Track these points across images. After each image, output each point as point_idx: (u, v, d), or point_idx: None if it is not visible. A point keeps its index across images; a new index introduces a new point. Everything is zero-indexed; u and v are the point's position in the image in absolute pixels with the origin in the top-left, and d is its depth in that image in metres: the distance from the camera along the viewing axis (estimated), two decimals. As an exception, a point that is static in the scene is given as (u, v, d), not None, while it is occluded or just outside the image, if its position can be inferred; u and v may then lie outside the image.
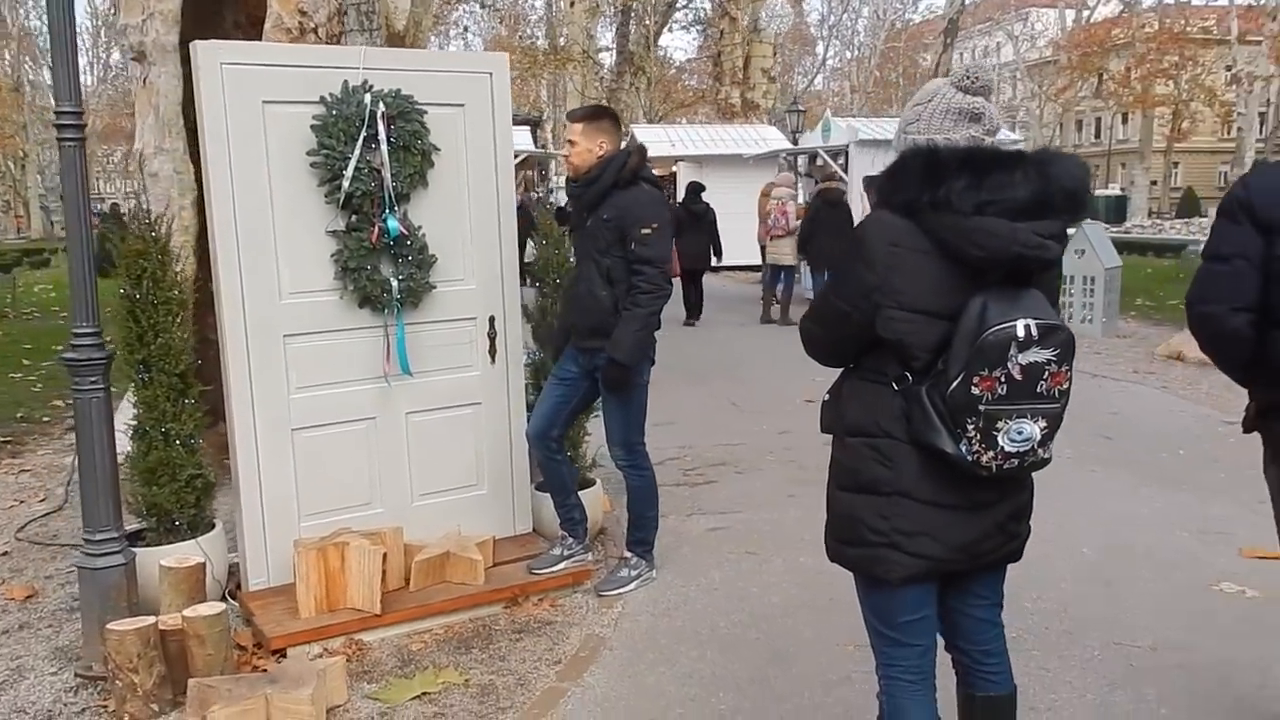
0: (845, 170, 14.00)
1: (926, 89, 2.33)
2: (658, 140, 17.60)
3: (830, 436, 2.40)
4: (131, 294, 3.86)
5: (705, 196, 12.96)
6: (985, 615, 2.47)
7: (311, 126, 3.95)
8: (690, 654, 3.72)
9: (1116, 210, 44.61)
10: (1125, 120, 57.50)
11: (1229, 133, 52.06)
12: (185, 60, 5.44)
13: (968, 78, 2.25)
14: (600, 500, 4.91)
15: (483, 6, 31.58)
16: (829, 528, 2.41)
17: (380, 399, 4.24)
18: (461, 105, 4.30)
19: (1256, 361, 2.69)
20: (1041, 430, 2.11)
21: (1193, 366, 9.28)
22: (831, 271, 2.34)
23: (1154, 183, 47.09)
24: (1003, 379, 2.05)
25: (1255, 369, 2.73)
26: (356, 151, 3.97)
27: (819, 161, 14.92)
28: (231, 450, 4.05)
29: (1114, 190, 50.45)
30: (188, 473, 3.95)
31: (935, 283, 2.13)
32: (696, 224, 12.77)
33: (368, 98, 3.99)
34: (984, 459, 2.10)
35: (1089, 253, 11.24)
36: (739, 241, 15.31)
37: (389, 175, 4.04)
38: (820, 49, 51.75)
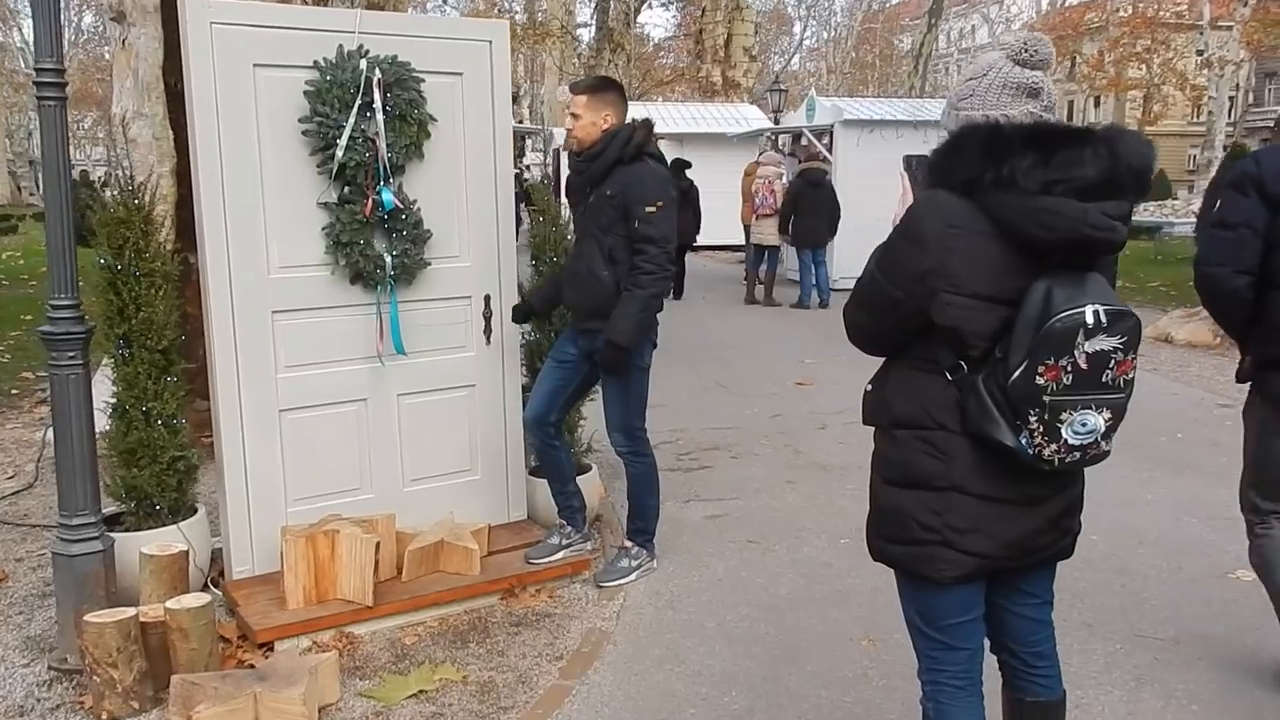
0: (830, 150, 13.85)
1: (980, 62, 2.17)
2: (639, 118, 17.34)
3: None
4: (113, 265, 3.65)
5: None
6: (1036, 615, 2.35)
7: (304, 92, 3.75)
8: (698, 649, 3.58)
9: (1089, 194, 44.74)
10: (1098, 104, 57.73)
11: (1198, 116, 52.43)
12: (166, 22, 5.23)
13: (1025, 50, 2.09)
14: (597, 487, 4.75)
15: (460, -23, 31.07)
16: (872, 524, 2.26)
17: (371, 380, 4.06)
18: (460, 74, 4.11)
19: (1254, 319, 3.11)
20: (1106, 422, 2.00)
21: (1181, 349, 9.25)
22: (881, 256, 2.16)
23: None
24: (1068, 368, 1.93)
25: (1253, 326, 3.14)
26: (351, 119, 3.77)
27: (804, 141, 14.75)
28: (216, 432, 3.86)
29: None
30: (169, 454, 3.76)
31: (995, 266, 1.99)
32: (682, 201, 12.56)
33: (364, 63, 3.80)
34: (1046, 452, 1.99)
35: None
36: (720, 221, 15.16)
37: (384, 145, 3.85)
38: (797, 29, 51.52)
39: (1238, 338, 3.27)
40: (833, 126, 13.68)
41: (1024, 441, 1.99)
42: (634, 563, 4.18)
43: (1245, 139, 43.53)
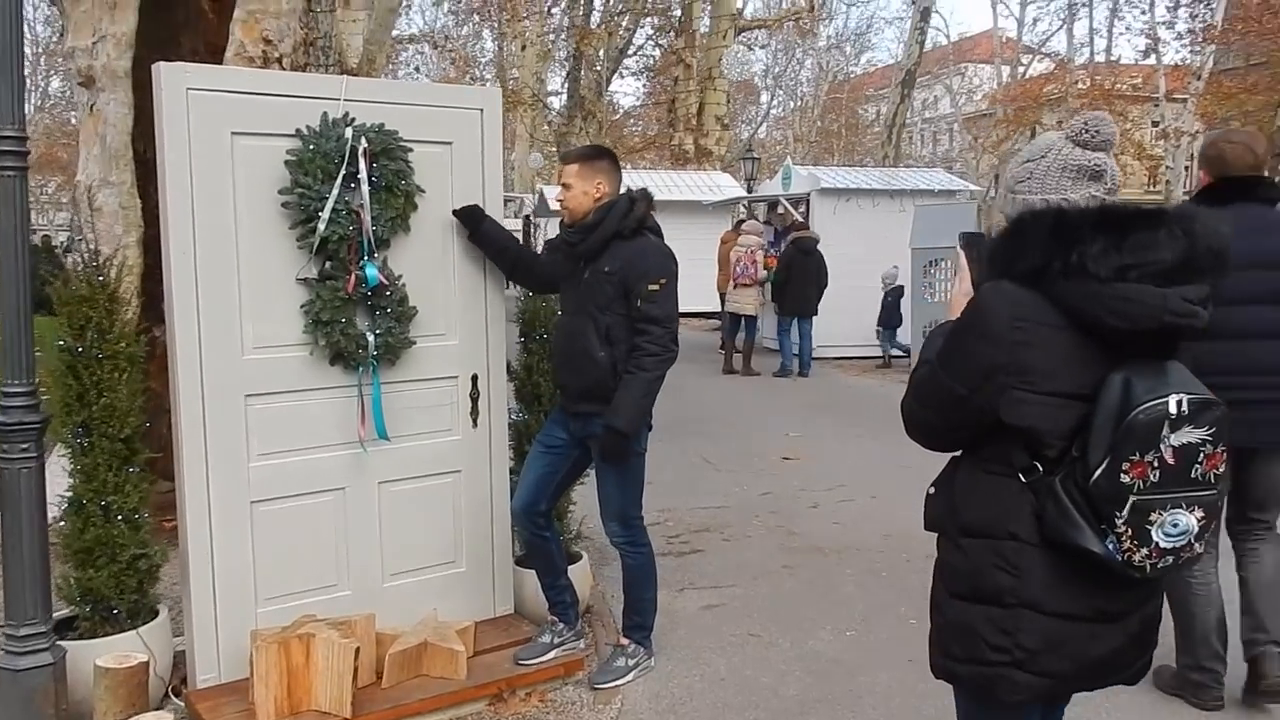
0: (806, 218, 13.80)
1: (1038, 144, 2.06)
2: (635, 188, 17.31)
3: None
4: (73, 347, 3.38)
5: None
6: None
7: (285, 162, 3.53)
8: (706, 763, 3.31)
9: (1054, 262, 45.39)
10: (1058, 174, 58.77)
11: (1155, 185, 53.56)
12: (137, 87, 5.02)
13: (1086, 131, 2.00)
14: (587, 576, 4.48)
15: (434, 47, 31.18)
16: (937, 639, 2.10)
17: (351, 467, 3.79)
18: (449, 143, 3.91)
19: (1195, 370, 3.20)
20: (1199, 522, 1.84)
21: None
22: (941, 349, 2.01)
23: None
24: (1155, 464, 1.79)
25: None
26: (335, 191, 3.55)
27: (780, 209, 14.72)
28: (181, 525, 3.56)
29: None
30: (130, 553, 3.45)
31: (1069, 360, 1.87)
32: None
33: (349, 132, 3.59)
34: (1136, 558, 1.83)
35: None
36: (694, 288, 15.02)
37: (369, 218, 3.63)
38: (765, 98, 52.17)
39: None
40: (809, 195, 13.67)
41: (1111, 547, 1.84)
42: (631, 661, 3.90)
43: (1201, 208, 44.37)
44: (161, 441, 3.75)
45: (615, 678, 3.84)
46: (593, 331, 3.66)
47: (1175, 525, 1.82)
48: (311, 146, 3.55)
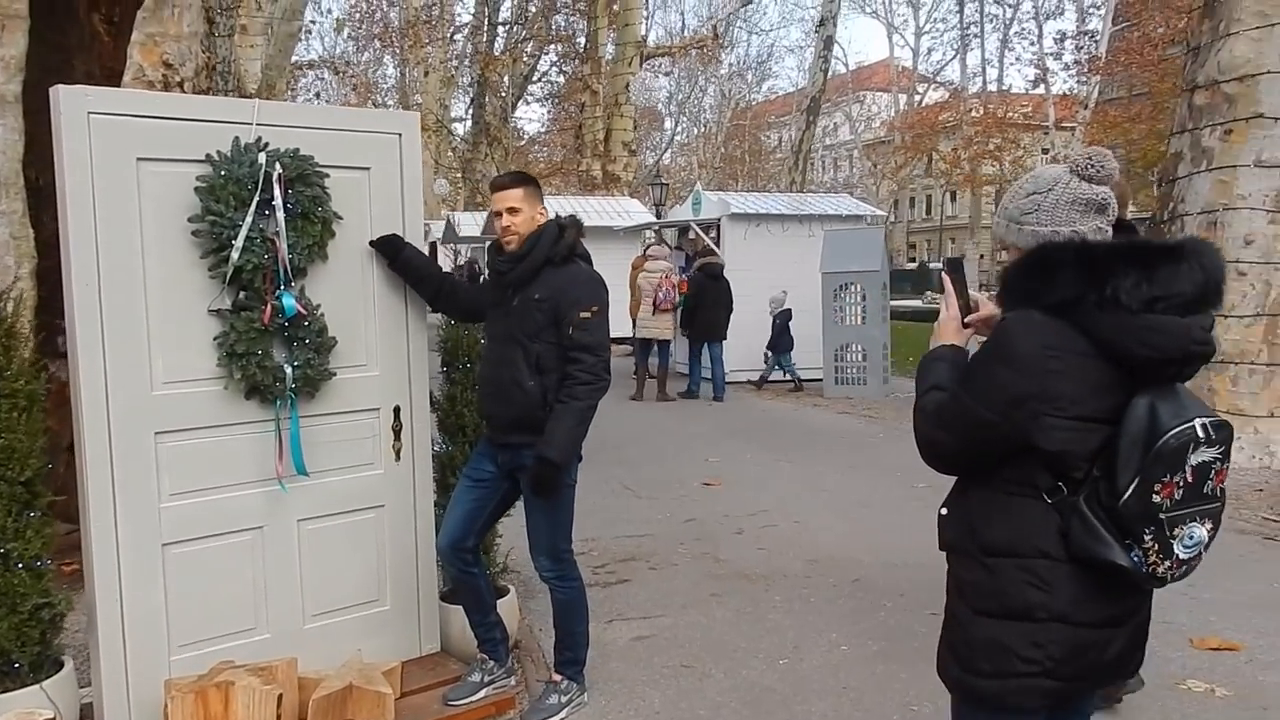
0: (717, 243, 13.89)
1: (1042, 177, 2.13)
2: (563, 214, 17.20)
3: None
4: (-33, 386, 3.18)
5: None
6: None
7: (195, 189, 3.39)
8: (647, 801, 3.22)
9: (951, 284, 46.60)
10: (954, 198, 60.59)
11: (1047, 212, 55.40)
12: (29, 112, 4.78)
13: (1091, 165, 2.09)
14: (515, 611, 4.37)
15: (336, 73, 30.68)
16: (959, 657, 2.15)
17: (268, 505, 3.64)
18: (367, 169, 3.81)
19: None
20: (1208, 533, 1.98)
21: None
22: (968, 376, 2.10)
23: (982, 256, 49.59)
24: (1180, 483, 1.91)
25: None
26: (249, 219, 3.42)
27: (691, 235, 14.79)
28: (87, 571, 3.37)
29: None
30: (32, 603, 3.23)
31: (1095, 386, 1.97)
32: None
33: (263, 157, 3.46)
34: (1160, 570, 1.96)
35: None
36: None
37: (285, 246, 3.50)
38: (669, 124, 52.62)
39: None
40: (720, 220, 13.75)
41: (1136, 560, 1.95)
42: (564, 698, 3.80)
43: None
44: (60, 483, 3.55)
45: (548, 715, 3.73)
46: (522, 360, 3.57)
47: (1191, 537, 1.94)
48: (223, 172, 3.41)
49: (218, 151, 3.43)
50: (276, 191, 3.47)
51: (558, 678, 3.84)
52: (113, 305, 3.28)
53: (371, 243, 3.78)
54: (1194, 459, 1.91)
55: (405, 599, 4.01)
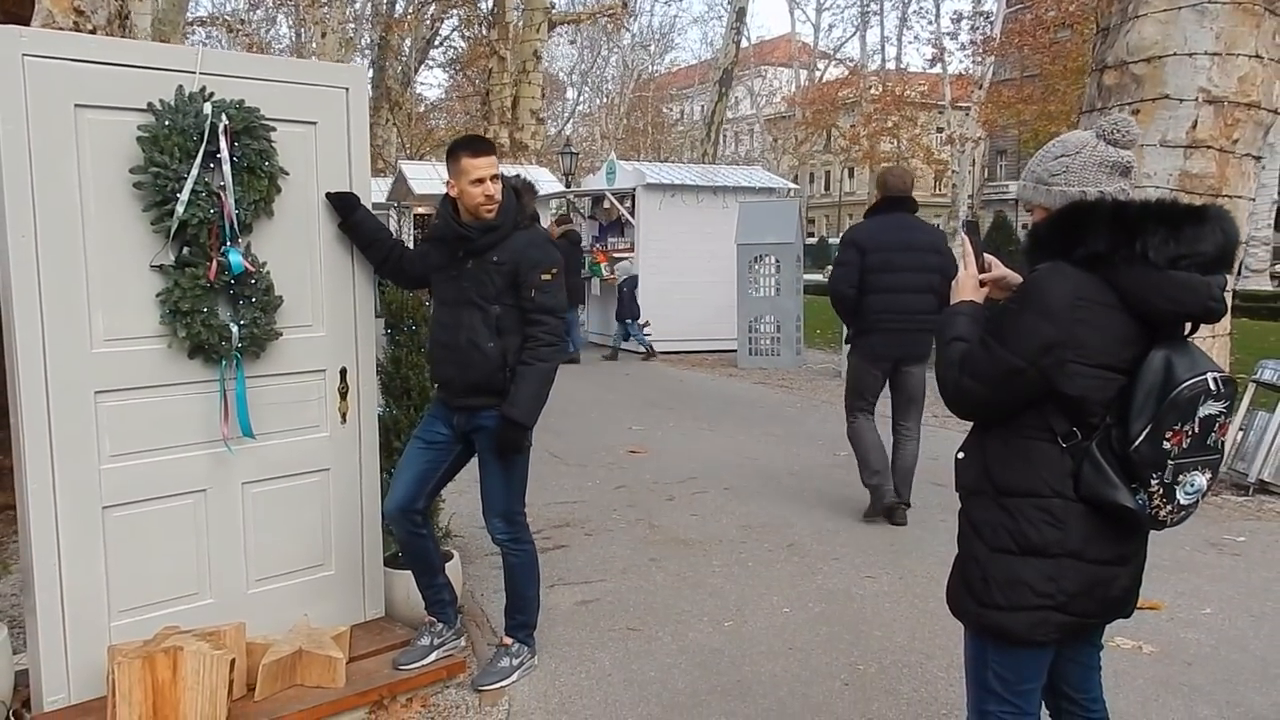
0: (632, 213, 13.88)
1: (1070, 141, 2.26)
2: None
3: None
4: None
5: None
6: (1093, 661, 2.46)
7: (138, 139, 3.24)
8: (608, 760, 3.24)
9: (850, 259, 47.55)
10: (853, 174, 61.62)
11: (941, 188, 56.86)
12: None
13: (1116, 131, 2.20)
14: (460, 576, 4.33)
15: (230, 31, 29.62)
16: (974, 592, 2.26)
17: (212, 468, 3.53)
18: (314, 123, 3.69)
19: (854, 312, 5.75)
20: (1207, 482, 2.10)
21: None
22: (999, 326, 2.20)
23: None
24: (1189, 432, 2.03)
25: (853, 315, 5.79)
26: (194, 171, 3.29)
27: (605, 204, 14.75)
28: (23, 534, 3.24)
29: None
30: (-35, 569, 3.10)
31: (1119, 337, 2.09)
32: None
33: (208, 107, 3.33)
34: (1162, 513, 2.09)
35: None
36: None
37: (232, 201, 3.38)
38: (571, 94, 52.27)
39: (847, 321, 6.08)
40: (635, 190, 13.73)
41: (1141, 503, 2.08)
42: (515, 661, 3.79)
43: (982, 210, 47.56)
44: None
45: (500, 678, 3.72)
46: (481, 323, 3.53)
47: (1193, 485, 2.07)
48: (167, 122, 3.27)
49: (160, 100, 3.28)
50: (223, 144, 3.35)
51: (508, 641, 3.83)
52: (50, 259, 3.13)
53: (328, 195, 3.67)
54: (1202, 411, 2.03)
55: (351, 564, 3.94)
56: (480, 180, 3.52)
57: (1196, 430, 2.04)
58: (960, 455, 2.34)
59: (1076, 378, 2.08)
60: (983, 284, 2.38)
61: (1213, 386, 2.03)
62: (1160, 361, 2.05)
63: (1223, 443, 2.12)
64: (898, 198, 5.82)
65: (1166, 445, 2.02)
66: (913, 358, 5.77)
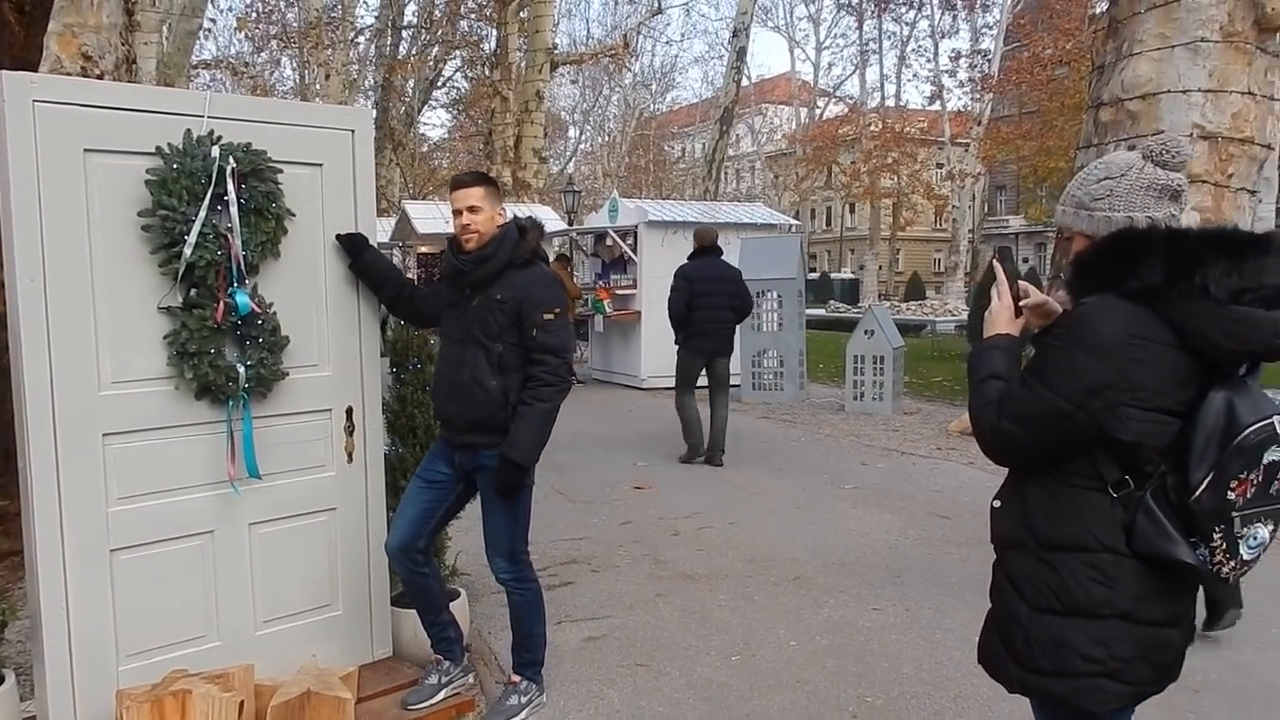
0: (635, 250, 13.94)
1: (1115, 162, 2.09)
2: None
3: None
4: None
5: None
6: None
7: (146, 182, 3.28)
8: (618, 799, 3.22)
9: (851, 292, 47.75)
10: (853, 210, 61.91)
11: (941, 223, 57.14)
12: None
13: (1166, 151, 2.04)
14: (467, 614, 4.32)
15: (234, 74, 29.90)
16: (1017, 655, 2.08)
17: (219, 509, 3.54)
18: (320, 165, 3.74)
19: (685, 322, 8.51)
20: (1271, 534, 1.94)
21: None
22: (1042, 365, 2.02)
23: (880, 267, 50.74)
24: (1254, 480, 1.87)
25: (682, 325, 8.54)
26: (201, 214, 3.32)
27: (608, 242, 14.82)
28: (31, 579, 3.24)
29: (848, 274, 54.14)
30: (-28, 613, 3.10)
31: (1175, 377, 1.92)
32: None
33: (216, 151, 3.37)
34: (1225, 569, 1.92)
35: (878, 333, 11.62)
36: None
37: (239, 243, 3.42)
38: (573, 133, 52.64)
39: (678, 329, 8.53)
40: (637, 227, 13.80)
41: (1203, 558, 1.91)
42: (524, 699, 3.77)
43: (982, 244, 47.77)
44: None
45: (509, 716, 3.70)
46: (484, 361, 3.54)
47: (1256, 538, 1.92)
48: (175, 166, 3.32)
49: (169, 144, 3.33)
50: (230, 186, 3.39)
51: (516, 679, 3.81)
52: (59, 302, 3.16)
53: (338, 236, 3.71)
54: (1268, 457, 1.87)
55: (358, 603, 3.93)
56: (459, 211, 3.60)
57: (1261, 479, 1.87)
58: (996, 504, 2.15)
59: (1131, 422, 1.90)
60: (1018, 313, 2.18)
61: (1279, 430, 1.87)
62: (1221, 403, 1.87)
63: None
64: (708, 246, 8.70)
65: (1231, 495, 1.85)
66: (721, 353, 8.66)
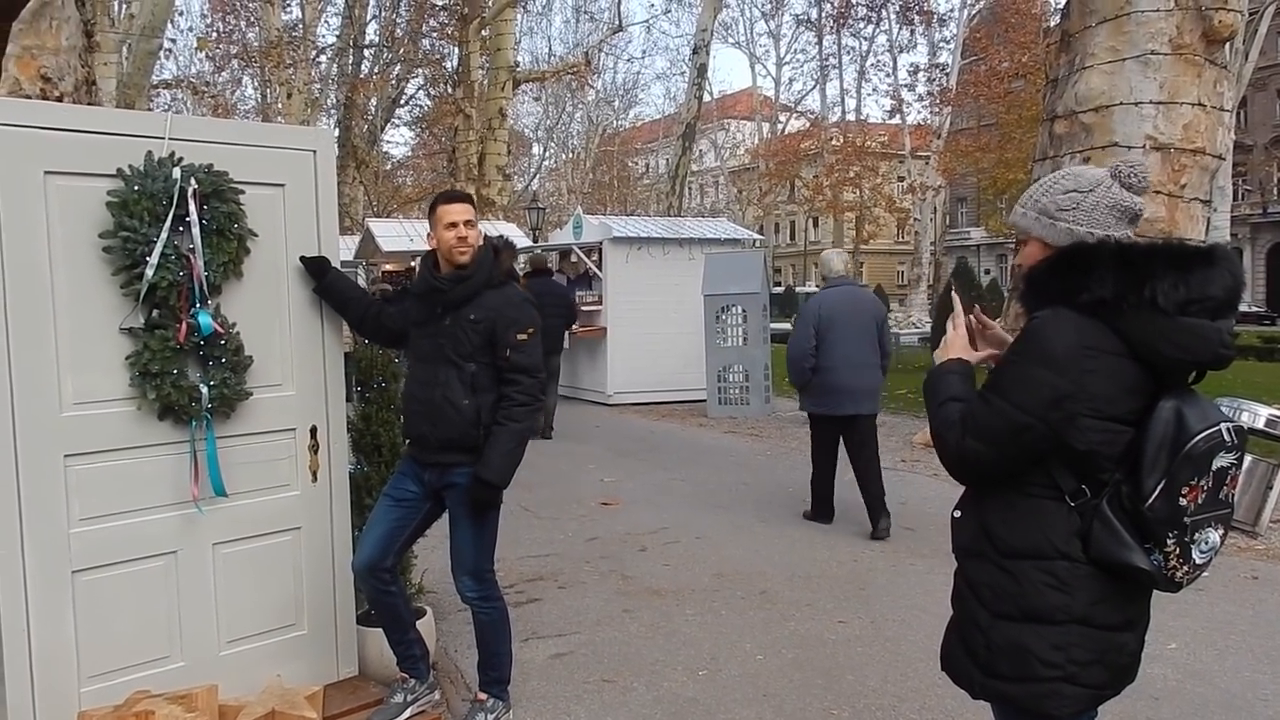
0: (600, 266, 13.99)
1: (1084, 176, 2.13)
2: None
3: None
4: None
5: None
6: None
7: (107, 204, 3.29)
8: (585, 813, 3.23)
9: (816, 307, 47.97)
10: (816, 224, 62.38)
11: (904, 236, 57.67)
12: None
13: (1134, 175, 2.09)
14: (433, 632, 4.32)
15: (195, 94, 29.72)
16: (978, 661, 2.12)
17: (183, 529, 3.53)
18: (282, 185, 3.75)
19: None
20: (1220, 538, 1.99)
21: (949, 455, 9.72)
22: (1000, 380, 2.06)
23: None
24: (1204, 486, 1.92)
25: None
26: (163, 235, 3.33)
27: (573, 258, 14.86)
28: (-10, 603, 3.21)
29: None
30: (-67, 637, 3.08)
31: (1127, 387, 1.97)
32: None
33: (177, 172, 3.38)
34: (1179, 574, 1.97)
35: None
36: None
37: (201, 263, 3.42)
38: (536, 150, 52.69)
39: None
40: (602, 244, 13.85)
41: (1157, 563, 1.96)
42: (490, 716, 3.77)
43: (944, 256, 48.27)
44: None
45: (476, 733, 3.72)
46: (456, 380, 3.56)
47: (1207, 542, 1.96)
48: (136, 187, 3.32)
49: (130, 165, 3.33)
50: (191, 207, 3.39)
51: (483, 696, 3.82)
52: (19, 323, 3.16)
53: (301, 259, 3.73)
54: (1216, 463, 1.91)
55: (323, 622, 3.93)
56: (454, 224, 3.60)
57: (1210, 484, 1.92)
58: (956, 514, 2.20)
59: (1087, 431, 1.94)
60: (974, 344, 2.26)
61: (1226, 438, 1.92)
62: (1170, 413, 1.92)
63: (1233, 496, 1.99)
64: (542, 269, 11.57)
65: (1183, 501, 1.90)
66: (552, 351, 10.68)
